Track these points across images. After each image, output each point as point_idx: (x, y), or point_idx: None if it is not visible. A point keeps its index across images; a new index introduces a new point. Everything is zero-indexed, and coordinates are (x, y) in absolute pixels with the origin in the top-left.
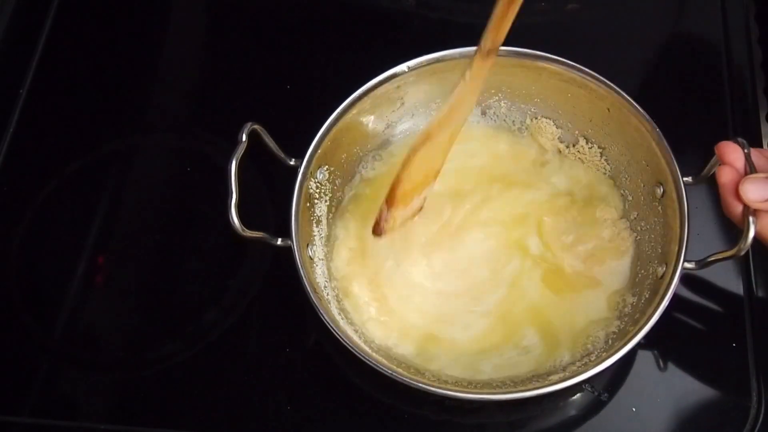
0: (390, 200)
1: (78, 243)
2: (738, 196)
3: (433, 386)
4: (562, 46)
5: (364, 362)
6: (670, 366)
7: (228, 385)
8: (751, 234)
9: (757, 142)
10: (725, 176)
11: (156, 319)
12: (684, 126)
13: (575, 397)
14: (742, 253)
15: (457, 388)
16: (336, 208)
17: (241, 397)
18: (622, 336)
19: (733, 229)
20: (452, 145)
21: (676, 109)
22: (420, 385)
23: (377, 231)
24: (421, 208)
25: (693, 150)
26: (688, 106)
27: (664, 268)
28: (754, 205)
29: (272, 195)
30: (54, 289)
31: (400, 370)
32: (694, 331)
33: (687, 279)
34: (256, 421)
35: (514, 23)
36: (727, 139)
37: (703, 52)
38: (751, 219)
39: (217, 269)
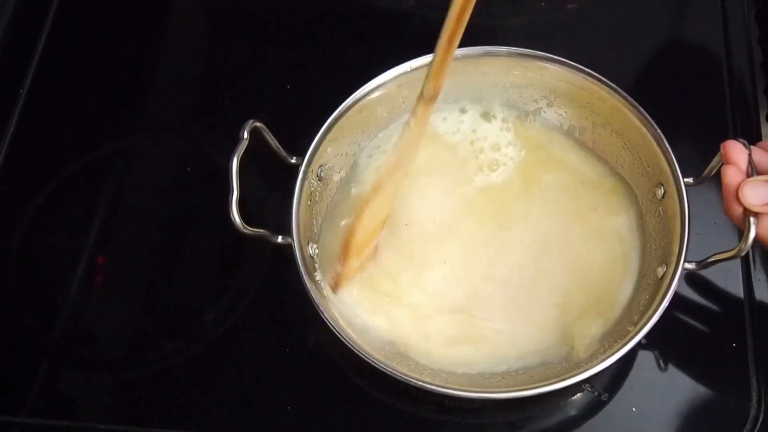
0: (345, 254)
1: (78, 243)
2: (738, 199)
3: (432, 385)
4: (562, 47)
5: (364, 361)
6: (671, 366)
7: (228, 385)
8: (752, 236)
9: (757, 143)
10: (729, 177)
11: (156, 319)
12: (683, 126)
13: (575, 397)
14: (743, 254)
15: (456, 387)
16: (336, 208)
17: (241, 397)
18: (622, 336)
19: (733, 230)
20: (398, 192)
21: (675, 110)
22: (419, 383)
23: (335, 287)
24: (372, 256)
25: (693, 150)
26: (688, 106)
27: (665, 269)
28: (754, 209)
29: (272, 193)
30: (54, 289)
31: (399, 367)
32: (694, 332)
33: (688, 278)
34: (256, 421)
35: (513, 23)
36: (728, 139)
37: (703, 52)
38: (751, 220)
39: (217, 269)
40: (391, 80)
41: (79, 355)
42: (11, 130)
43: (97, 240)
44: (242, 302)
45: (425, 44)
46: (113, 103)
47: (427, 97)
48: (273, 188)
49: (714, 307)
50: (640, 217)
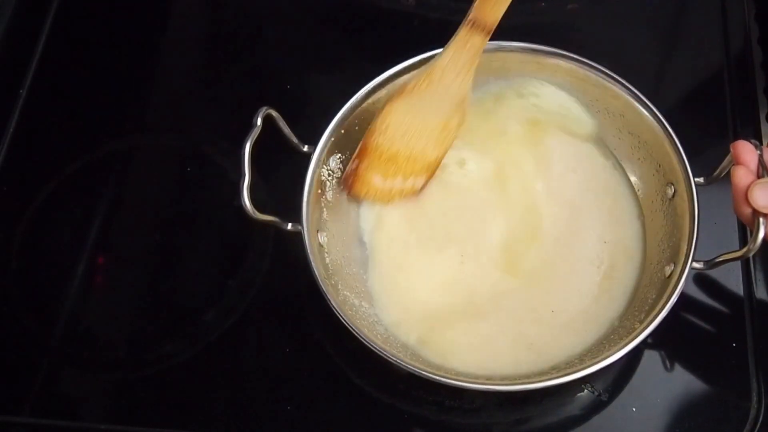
0: (362, 153)
1: (78, 243)
2: (748, 200)
3: (438, 375)
4: (562, 47)
5: (364, 361)
6: (670, 366)
7: (228, 385)
8: (761, 236)
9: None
10: (739, 177)
11: (156, 319)
12: (683, 126)
13: (575, 397)
14: (752, 254)
15: (460, 378)
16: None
17: (241, 397)
18: (627, 334)
19: (739, 230)
20: (451, 138)
21: (675, 110)
22: (426, 373)
23: (346, 185)
24: (413, 193)
25: (692, 151)
26: (688, 106)
27: (672, 268)
28: (764, 210)
29: (279, 184)
30: (54, 289)
31: (406, 358)
32: (693, 332)
33: (688, 279)
34: (256, 421)
35: (512, 23)
36: (729, 139)
37: (703, 52)
38: (761, 221)
39: (217, 269)
40: (404, 72)
41: (79, 355)
42: (11, 130)
43: (97, 240)
44: (242, 302)
45: (425, 44)
46: (113, 103)
47: (481, 27)
48: (279, 178)
49: (714, 307)
50: (648, 215)
